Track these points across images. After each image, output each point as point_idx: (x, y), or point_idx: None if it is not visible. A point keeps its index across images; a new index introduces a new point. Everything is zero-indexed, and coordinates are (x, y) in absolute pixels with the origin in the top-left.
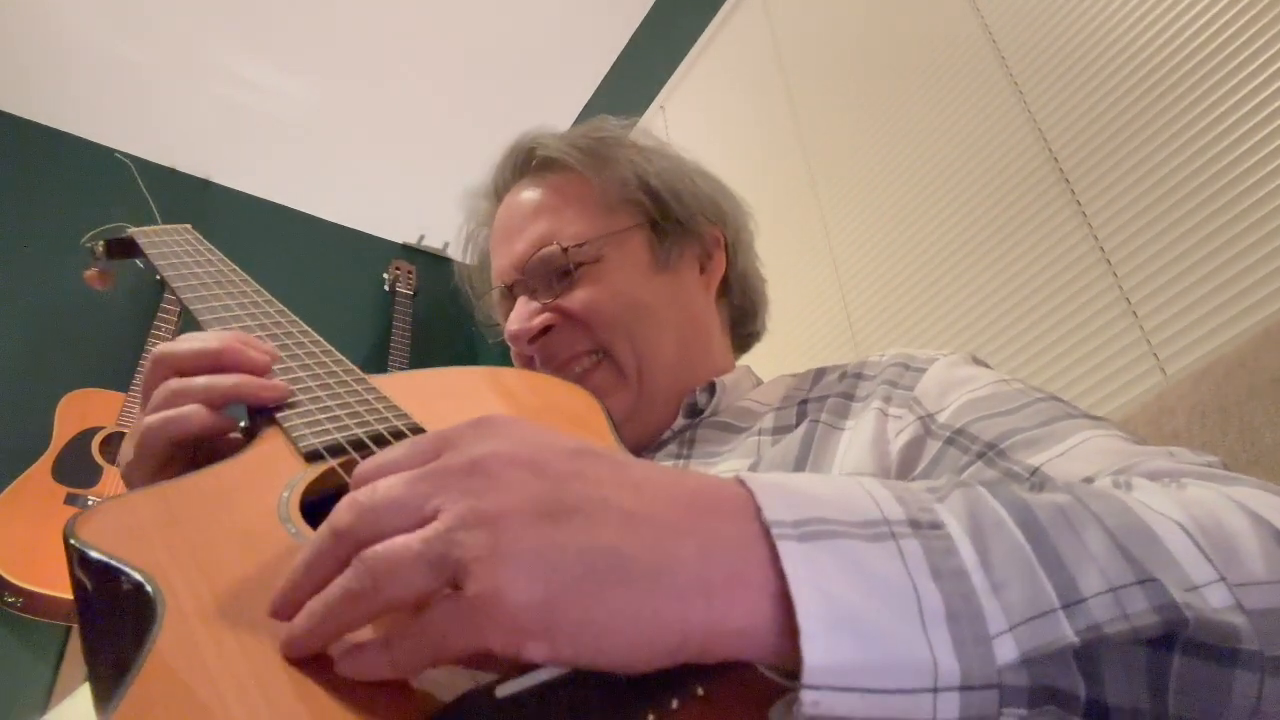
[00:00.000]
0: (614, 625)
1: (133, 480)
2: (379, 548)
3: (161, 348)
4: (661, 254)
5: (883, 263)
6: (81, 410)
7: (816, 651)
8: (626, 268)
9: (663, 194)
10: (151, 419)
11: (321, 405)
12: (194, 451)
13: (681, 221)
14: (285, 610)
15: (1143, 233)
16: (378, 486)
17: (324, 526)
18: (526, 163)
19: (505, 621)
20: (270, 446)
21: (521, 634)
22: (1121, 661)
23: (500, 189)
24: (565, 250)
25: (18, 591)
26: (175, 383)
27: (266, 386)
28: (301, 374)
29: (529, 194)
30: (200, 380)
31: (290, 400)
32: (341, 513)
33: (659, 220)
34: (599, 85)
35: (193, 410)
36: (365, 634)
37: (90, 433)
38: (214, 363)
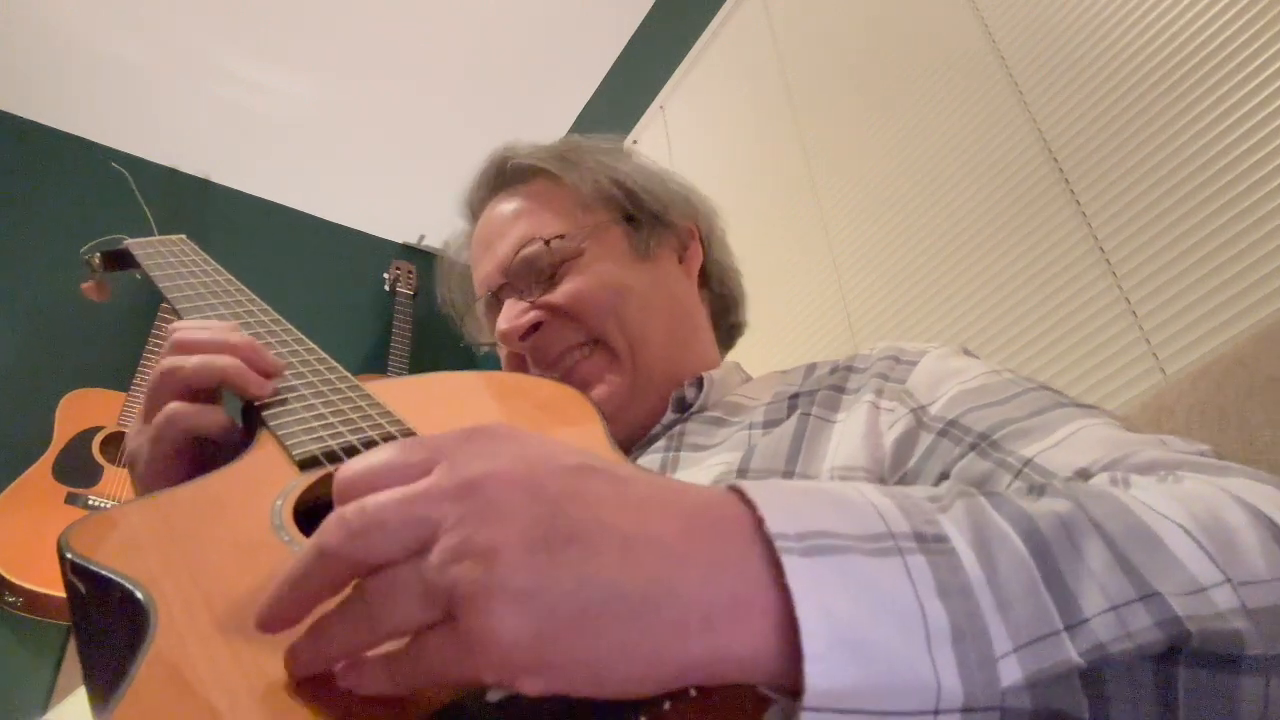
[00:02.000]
0: (610, 661)
1: (142, 469)
2: (377, 582)
3: (182, 332)
4: (639, 244)
5: (883, 263)
6: (81, 410)
7: (819, 674)
8: (607, 258)
9: (634, 189)
10: (176, 409)
11: (315, 413)
12: (202, 444)
13: (655, 214)
14: (271, 624)
15: (1143, 233)
16: (366, 506)
17: (311, 542)
18: (501, 175)
19: (498, 658)
20: (264, 454)
21: (514, 669)
22: (1127, 678)
23: (476, 208)
24: (548, 243)
25: (18, 591)
26: (169, 360)
27: (258, 380)
28: (296, 381)
29: (506, 203)
30: (195, 359)
31: (285, 407)
32: (330, 531)
33: (634, 214)
34: (599, 85)
35: (211, 408)
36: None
37: (90, 432)
38: (230, 354)
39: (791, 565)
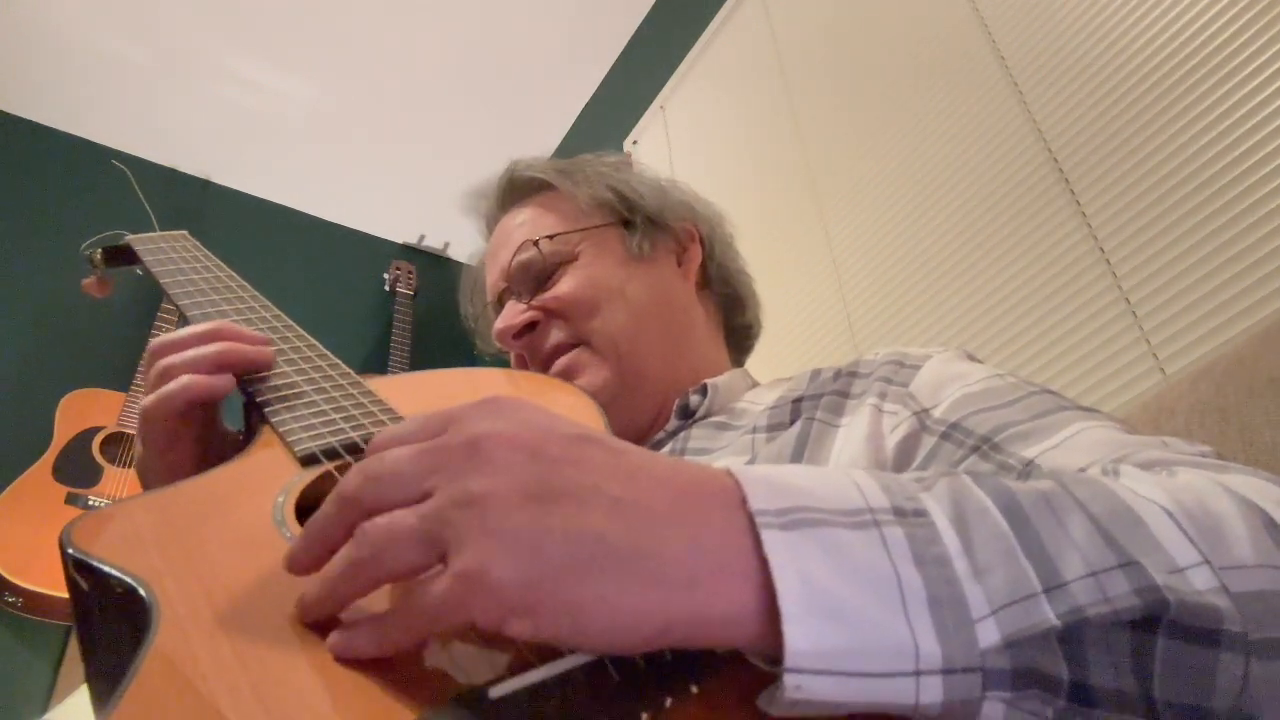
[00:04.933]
0: (595, 610)
1: (146, 470)
2: (379, 520)
3: (157, 339)
4: (634, 245)
5: (883, 263)
6: (82, 410)
7: (798, 636)
8: (601, 260)
9: (630, 194)
10: (147, 400)
11: (316, 409)
12: (201, 430)
13: (651, 217)
14: (295, 566)
15: (1143, 233)
16: (384, 457)
17: (334, 491)
18: (509, 189)
19: (489, 598)
20: (266, 451)
21: (504, 610)
22: (1105, 644)
23: (490, 224)
24: (536, 244)
25: (18, 591)
26: (164, 360)
27: (256, 350)
28: (297, 378)
29: (512, 215)
30: (189, 352)
31: (286, 403)
32: (350, 479)
33: (630, 218)
34: (599, 85)
35: (187, 380)
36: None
37: (90, 433)
38: (209, 339)
39: (770, 538)
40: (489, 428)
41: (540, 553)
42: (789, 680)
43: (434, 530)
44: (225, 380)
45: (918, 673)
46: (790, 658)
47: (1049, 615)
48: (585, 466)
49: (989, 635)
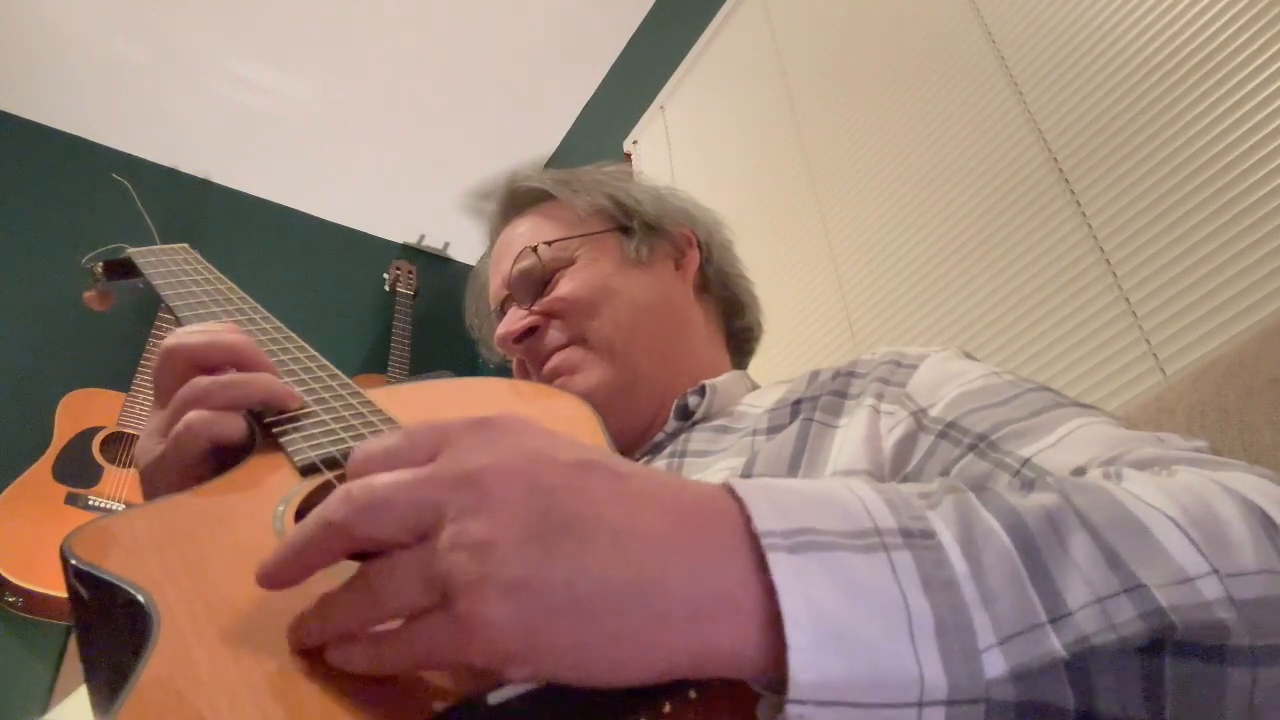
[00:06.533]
0: (597, 650)
1: (158, 478)
2: (381, 565)
3: (175, 338)
4: (632, 250)
5: (883, 263)
6: (82, 410)
7: (803, 667)
8: (599, 263)
9: (628, 201)
10: (195, 417)
11: (317, 419)
12: (215, 459)
13: (649, 223)
14: (269, 582)
15: (1142, 233)
16: (374, 484)
17: (316, 512)
18: (511, 201)
19: (488, 644)
20: (267, 460)
21: (504, 656)
22: (1113, 670)
23: (493, 237)
24: (535, 250)
25: (18, 591)
26: (207, 381)
27: (293, 394)
28: (297, 389)
29: (513, 226)
30: (227, 378)
31: (286, 414)
32: (335, 505)
33: (628, 224)
34: (599, 85)
35: (235, 417)
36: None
37: (91, 432)
38: (234, 359)
39: (777, 560)
40: (485, 460)
41: (540, 597)
42: (791, 710)
43: (435, 574)
44: (242, 425)
45: (921, 704)
46: (794, 689)
47: (1055, 646)
48: (585, 496)
49: (995, 666)
